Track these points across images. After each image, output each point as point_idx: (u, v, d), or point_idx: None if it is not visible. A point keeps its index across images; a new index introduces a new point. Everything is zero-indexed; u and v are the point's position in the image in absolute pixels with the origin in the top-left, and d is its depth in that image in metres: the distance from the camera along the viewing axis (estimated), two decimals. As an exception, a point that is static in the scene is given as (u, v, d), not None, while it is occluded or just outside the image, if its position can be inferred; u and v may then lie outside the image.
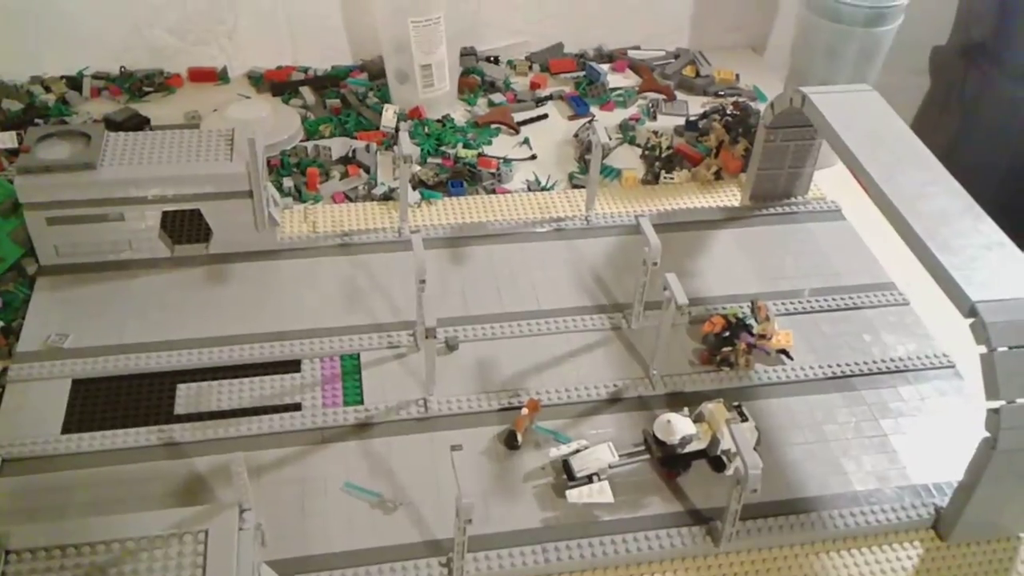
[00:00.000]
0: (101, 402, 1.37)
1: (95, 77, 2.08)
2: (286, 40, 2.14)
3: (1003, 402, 1.10)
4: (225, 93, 2.08)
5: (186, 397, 1.38)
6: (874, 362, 1.47)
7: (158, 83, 2.08)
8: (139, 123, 1.94)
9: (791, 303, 1.57)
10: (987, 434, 1.13)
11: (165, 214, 1.57)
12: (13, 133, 1.86)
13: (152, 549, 1.01)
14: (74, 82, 2.06)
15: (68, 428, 1.32)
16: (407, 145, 1.57)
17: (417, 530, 1.22)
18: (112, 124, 1.91)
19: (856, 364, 1.47)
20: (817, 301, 1.58)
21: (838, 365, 1.46)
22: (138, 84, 2.07)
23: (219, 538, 1.02)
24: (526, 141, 1.97)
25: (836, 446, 1.35)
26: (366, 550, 1.19)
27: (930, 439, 1.36)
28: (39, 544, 1.01)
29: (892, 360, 1.48)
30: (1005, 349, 1.11)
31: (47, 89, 2.03)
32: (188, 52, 2.11)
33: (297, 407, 1.37)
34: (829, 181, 1.84)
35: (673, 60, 2.26)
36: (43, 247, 1.56)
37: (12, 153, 1.82)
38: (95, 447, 1.30)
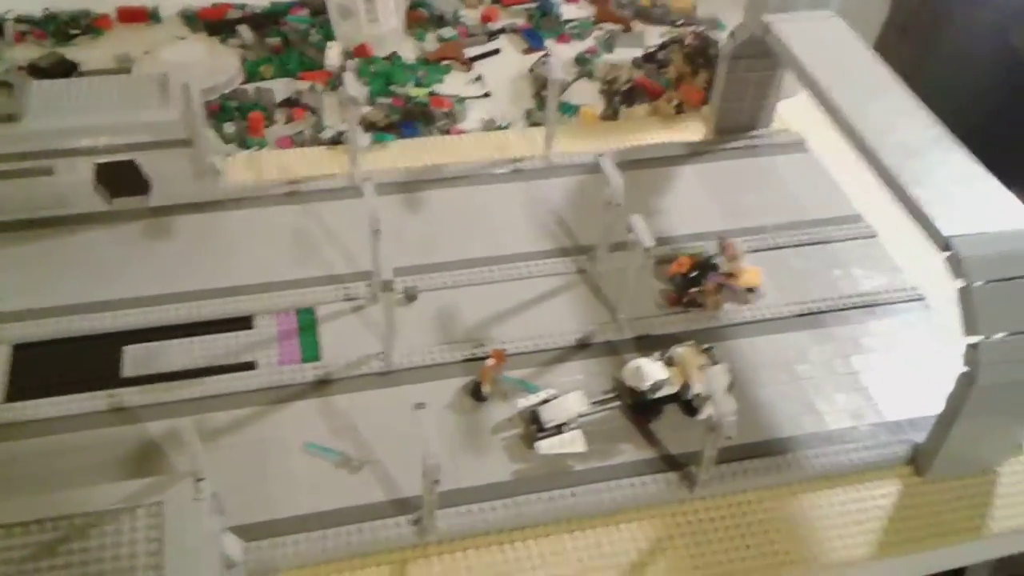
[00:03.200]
0: (45, 367, 1.29)
1: (18, 20, 1.95)
2: (220, -25, 2.03)
3: (982, 337, 1.08)
4: (158, 34, 1.97)
5: (133, 359, 1.31)
6: (843, 297, 1.45)
7: (85, 25, 1.96)
8: (66, 69, 1.82)
9: (757, 239, 1.54)
10: (965, 368, 1.11)
11: (101, 166, 1.48)
12: (-69, 83, 1.73)
13: (103, 525, 0.95)
14: (-6, 26, 1.93)
15: (11, 396, 1.25)
16: (352, 86, 1.48)
17: (384, 489, 1.17)
18: (37, 71, 1.79)
19: (825, 300, 1.44)
20: (783, 236, 1.55)
21: (807, 302, 1.44)
22: (64, 27, 1.94)
23: (175, 510, 0.96)
24: (479, 78, 1.90)
25: (808, 385, 1.32)
26: (333, 511, 1.14)
27: (902, 374, 1.34)
28: (-20, 525, 0.94)
29: (861, 295, 1.45)
30: (982, 283, 1.08)
31: (-35, 35, 1.91)
32: (115, -9, 1.99)
33: (251, 366, 1.31)
34: (792, 112, 1.80)
35: (628, -11, 2.18)
36: (-30, 205, 1.46)
37: (-70, 104, 1.70)
38: (40, 415, 1.23)
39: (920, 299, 1.45)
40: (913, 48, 2.41)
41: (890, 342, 1.39)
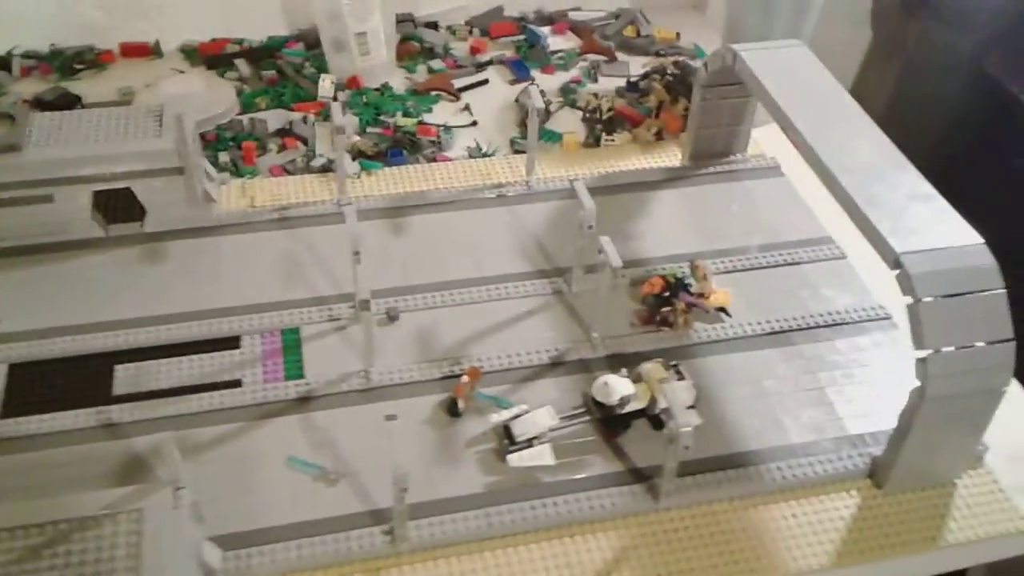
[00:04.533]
0: (39, 385, 1.35)
1: (24, 56, 2.03)
2: (218, 12, 2.10)
3: (930, 351, 1.12)
4: (159, 68, 2.05)
5: (124, 377, 1.36)
6: (811, 316, 1.49)
7: (89, 60, 2.04)
8: (70, 102, 1.90)
9: (730, 261, 1.58)
10: (916, 382, 1.15)
11: (98, 194, 1.54)
12: (-61, 116, 1.81)
13: (85, 530, 1.00)
14: (3, 62, 2.01)
15: (7, 413, 1.31)
16: (339, 116, 1.55)
17: (360, 501, 1.22)
18: (42, 104, 1.86)
19: (794, 319, 1.48)
20: (755, 258, 1.59)
21: (776, 320, 1.48)
22: (69, 62, 2.02)
23: (154, 517, 1.02)
24: (467, 108, 1.96)
25: (774, 400, 1.37)
26: (310, 522, 1.19)
27: (866, 390, 1.38)
28: (-31, 531, 1.00)
29: (830, 314, 1.49)
30: (930, 299, 1.13)
31: (-25, 70, 1.99)
32: (118, 28, 2.06)
33: (237, 383, 1.36)
34: (768, 139, 1.85)
35: (614, 20, 2.25)
36: (-27, 232, 1.53)
37: (-62, 136, 1.77)
38: (33, 431, 1.28)
39: (887, 318, 1.49)
40: (894, 78, 2.46)
41: (856, 359, 1.43)
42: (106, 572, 0.98)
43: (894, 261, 1.16)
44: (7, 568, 0.98)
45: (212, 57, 2.06)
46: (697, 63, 2.01)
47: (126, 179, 1.52)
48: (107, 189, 1.54)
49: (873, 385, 1.39)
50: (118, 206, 1.60)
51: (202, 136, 1.71)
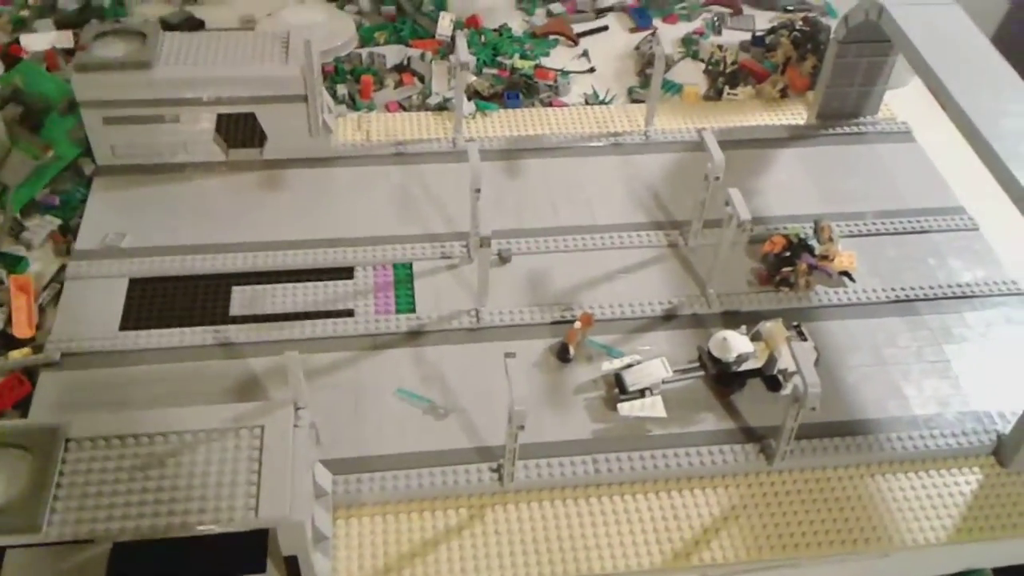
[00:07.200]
0: (158, 301, 1.38)
1: (149, -21, 2.06)
2: (341, -56, 2.09)
3: (1078, 328, 1.06)
4: (280, -2, 2.05)
5: (241, 299, 1.38)
6: (939, 286, 1.43)
7: (213, -14, 2.05)
8: (194, 26, 1.91)
9: (855, 225, 1.53)
10: (1058, 361, 1.09)
11: (220, 118, 1.56)
12: (69, 32, 1.86)
13: (210, 442, 1.02)
14: (129, -17, 2.04)
15: (126, 325, 1.34)
16: (464, 52, 1.53)
17: (468, 436, 1.22)
18: (167, 26, 1.88)
19: (920, 288, 1.43)
20: (882, 223, 1.53)
21: (902, 289, 1.43)
22: (193, -14, 2.04)
23: (275, 434, 1.03)
24: (585, 53, 1.92)
25: (896, 370, 1.32)
26: (418, 453, 1.19)
27: (995, 366, 1.33)
28: (99, 433, 1.02)
29: (958, 285, 1.43)
30: (1084, 273, 1.07)
31: (102, -11, 2.02)
32: (242, -45, 2.08)
33: (350, 313, 1.37)
34: (900, 102, 1.77)
35: (740, -28, 2.17)
36: (100, 147, 1.56)
37: (68, 53, 1.81)
38: (152, 344, 1.31)
39: (1020, 294, 1.42)
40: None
41: (984, 333, 1.37)
42: (228, 484, 0.99)
43: (1047, 231, 1.09)
44: (132, 474, 1.00)
45: (332, -10, 2.05)
46: (828, 21, 1.93)
47: (251, 103, 1.53)
48: (230, 113, 1.55)
49: (1003, 362, 1.33)
50: (239, 131, 1.61)
51: (321, 68, 1.71)
